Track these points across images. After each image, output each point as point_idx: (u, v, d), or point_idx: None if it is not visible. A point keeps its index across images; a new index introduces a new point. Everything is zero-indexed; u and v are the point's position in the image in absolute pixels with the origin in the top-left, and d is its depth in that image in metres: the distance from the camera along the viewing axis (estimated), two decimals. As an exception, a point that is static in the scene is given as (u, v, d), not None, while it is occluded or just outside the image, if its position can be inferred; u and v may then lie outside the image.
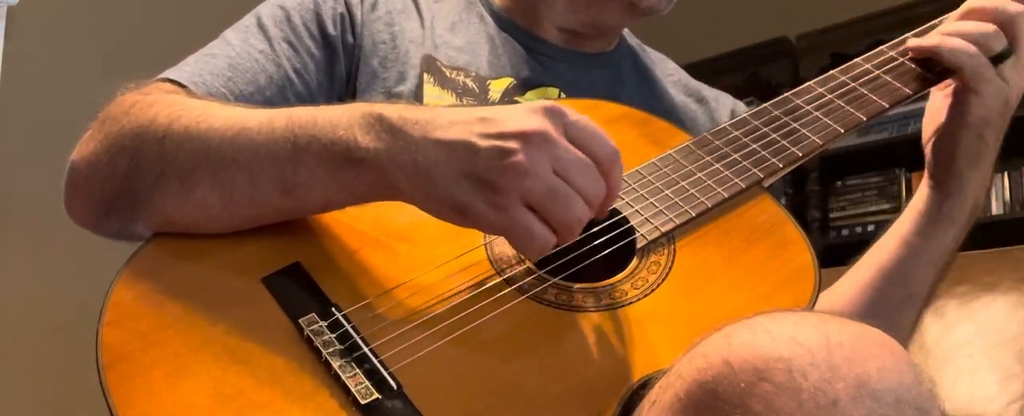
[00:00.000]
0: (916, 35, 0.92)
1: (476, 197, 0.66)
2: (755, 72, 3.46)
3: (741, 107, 1.10)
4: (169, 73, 0.88)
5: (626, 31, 1.10)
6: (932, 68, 0.89)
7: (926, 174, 0.94)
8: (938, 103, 0.92)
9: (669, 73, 1.11)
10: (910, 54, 0.90)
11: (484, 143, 0.66)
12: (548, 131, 0.67)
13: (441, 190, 0.67)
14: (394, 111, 0.70)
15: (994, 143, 0.90)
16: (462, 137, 0.67)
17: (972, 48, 0.86)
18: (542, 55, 1.01)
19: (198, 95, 0.84)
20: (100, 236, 0.81)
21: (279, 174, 0.72)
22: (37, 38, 2.76)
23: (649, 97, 1.05)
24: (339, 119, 0.71)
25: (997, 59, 0.86)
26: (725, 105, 1.09)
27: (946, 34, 0.88)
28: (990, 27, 0.86)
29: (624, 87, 1.04)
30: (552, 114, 0.68)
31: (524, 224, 0.66)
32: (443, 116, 0.69)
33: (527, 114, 0.68)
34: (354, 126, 0.70)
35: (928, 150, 0.93)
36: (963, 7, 0.90)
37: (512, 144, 0.66)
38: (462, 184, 0.66)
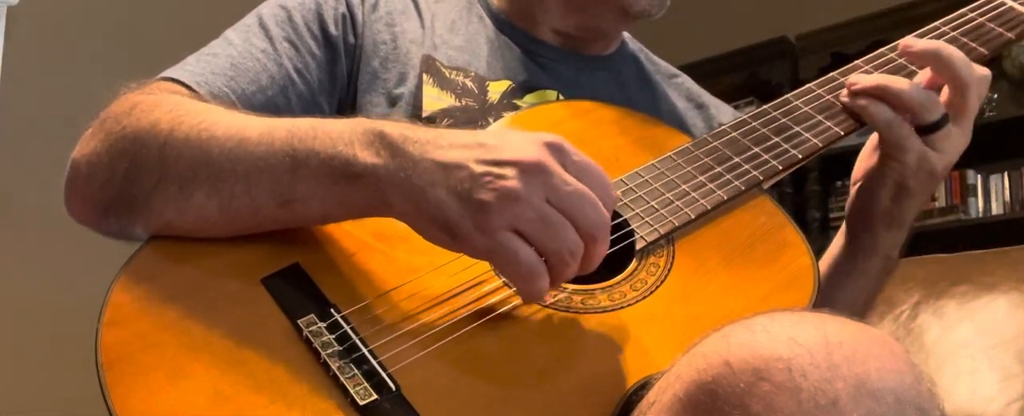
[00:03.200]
0: (920, 35, 0.92)
1: (464, 218, 0.66)
2: (755, 72, 3.46)
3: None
4: (171, 72, 0.87)
5: (628, 35, 1.10)
6: None
7: (844, 222, 0.92)
8: (868, 151, 0.89)
9: (672, 76, 1.11)
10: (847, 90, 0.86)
11: (479, 168, 0.66)
12: (545, 162, 0.66)
13: (432, 208, 0.67)
14: (396, 129, 0.70)
15: (913, 208, 0.87)
16: (458, 159, 0.67)
17: (895, 118, 0.82)
18: (541, 57, 1.01)
19: (200, 94, 0.84)
20: (100, 235, 0.81)
21: (277, 187, 0.72)
22: (37, 38, 2.77)
23: (650, 100, 1.05)
24: (340, 134, 0.71)
25: (930, 128, 0.82)
26: (725, 113, 1.09)
27: (883, 86, 0.83)
28: (931, 96, 0.82)
29: (625, 89, 1.04)
30: (553, 148, 0.67)
31: (510, 248, 0.65)
32: (445, 138, 0.69)
33: (528, 144, 0.67)
34: (355, 141, 0.70)
35: (850, 198, 0.91)
36: (926, 44, 0.85)
37: (507, 171, 0.65)
38: (452, 204, 0.66)
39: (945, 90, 0.85)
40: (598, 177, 0.68)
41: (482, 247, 0.66)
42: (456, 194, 0.66)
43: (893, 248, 0.90)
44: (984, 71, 0.85)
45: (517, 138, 0.68)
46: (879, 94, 0.83)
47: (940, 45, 0.85)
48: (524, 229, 0.65)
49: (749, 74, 3.46)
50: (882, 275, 0.91)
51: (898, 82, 0.83)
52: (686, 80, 1.12)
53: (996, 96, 2.99)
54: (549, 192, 0.65)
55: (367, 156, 0.69)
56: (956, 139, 0.84)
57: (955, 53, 0.84)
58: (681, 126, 1.02)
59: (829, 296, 0.90)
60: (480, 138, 0.69)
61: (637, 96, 1.04)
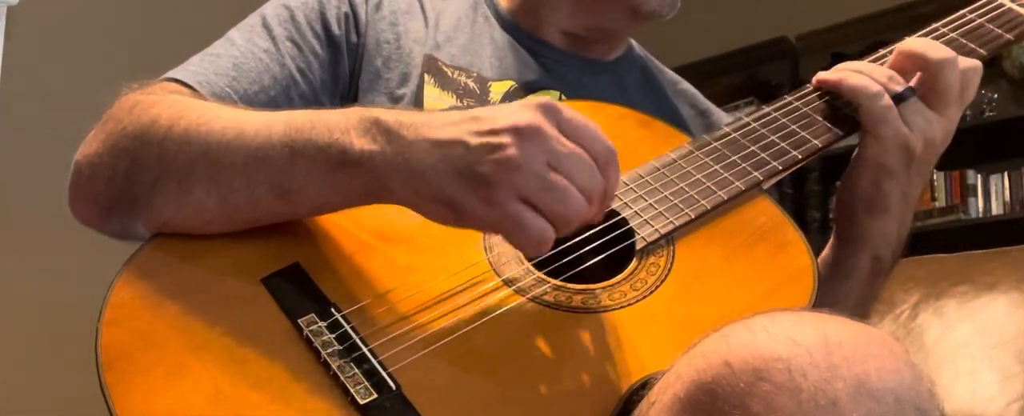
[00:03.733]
0: (919, 36, 0.92)
1: (467, 193, 0.66)
2: (755, 72, 3.47)
3: None
4: (173, 73, 0.88)
5: (634, 42, 1.10)
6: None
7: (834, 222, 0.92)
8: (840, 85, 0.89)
9: (676, 84, 1.11)
10: (814, 83, 0.89)
11: (475, 140, 0.66)
12: (541, 125, 0.66)
13: (433, 188, 0.67)
14: (390, 115, 0.70)
15: (896, 193, 0.86)
16: (454, 136, 0.67)
17: (874, 87, 0.83)
18: (545, 58, 1.01)
19: (203, 95, 0.85)
20: (104, 235, 0.82)
21: (275, 178, 0.72)
22: (37, 38, 2.77)
23: (653, 107, 1.04)
24: (336, 123, 0.71)
25: (897, 98, 0.83)
26: (726, 121, 1.09)
27: (851, 70, 0.86)
28: (889, 72, 0.85)
29: (627, 95, 1.04)
30: (546, 110, 0.67)
31: (516, 215, 0.65)
32: (438, 118, 0.69)
33: (520, 110, 0.67)
34: (350, 130, 0.70)
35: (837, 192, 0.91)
36: (896, 48, 0.87)
37: (504, 139, 0.65)
38: (454, 181, 0.66)
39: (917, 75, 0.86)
40: (593, 133, 0.68)
41: (488, 219, 0.66)
42: (456, 170, 0.66)
43: (882, 245, 0.88)
44: (971, 63, 0.86)
45: (509, 106, 0.68)
46: (857, 71, 0.85)
47: (900, 44, 0.87)
48: (527, 196, 0.65)
49: (749, 74, 3.47)
50: (872, 277, 0.89)
51: (856, 64, 0.86)
52: (690, 88, 1.12)
53: (996, 96, 2.99)
54: (548, 156, 0.65)
55: (364, 143, 0.69)
56: (931, 119, 0.84)
57: (914, 41, 0.86)
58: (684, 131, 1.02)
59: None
60: (472, 112, 0.69)
61: (639, 102, 1.04)
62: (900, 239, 0.89)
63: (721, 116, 1.09)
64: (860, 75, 0.84)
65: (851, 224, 0.88)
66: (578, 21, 1.01)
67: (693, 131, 1.04)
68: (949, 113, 0.85)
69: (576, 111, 0.68)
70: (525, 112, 0.66)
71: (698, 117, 1.08)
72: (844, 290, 0.89)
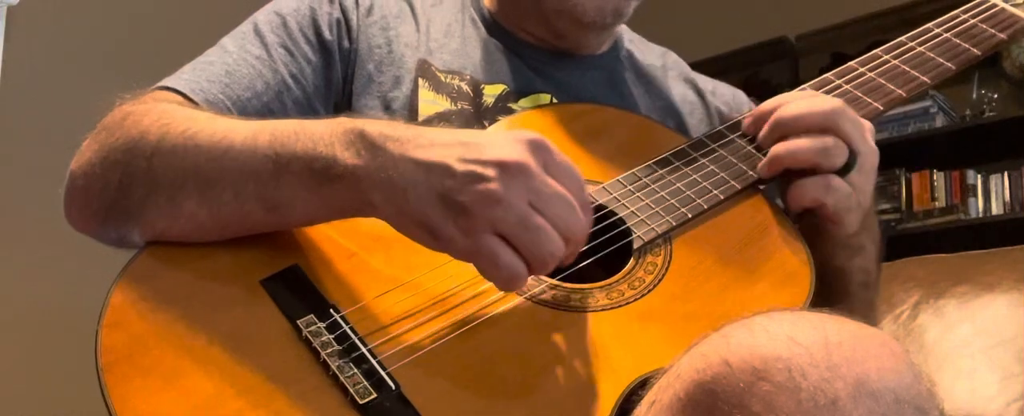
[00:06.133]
0: (910, 38, 0.92)
1: (447, 220, 0.66)
2: (755, 72, 3.47)
3: (741, 97, 1.10)
4: (167, 81, 0.88)
5: (625, 27, 1.10)
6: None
7: None
8: (791, 199, 0.81)
9: (670, 66, 1.10)
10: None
11: (461, 167, 0.66)
12: (527, 163, 0.66)
13: (414, 209, 0.67)
14: (375, 128, 0.70)
15: (862, 231, 0.84)
16: (440, 159, 0.67)
17: (831, 181, 0.78)
18: (532, 59, 1.01)
19: (196, 102, 0.85)
20: (101, 243, 0.82)
21: (262, 192, 0.72)
22: (37, 38, 2.77)
23: (647, 94, 1.04)
24: (321, 135, 0.71)
25: (843, 170, 0.78)
26: (721, 97, 1.08)
27: (776, 155, 0.80)
28: (829, 140, 0.78)
29: (619, 87, 1.04)
30: (535, 148, 0.67)
31: (491, 250, 0.65)
32: (425, 136, 0.69)
33: (510, 144, 0.67)
34: (335, 142, 0.70)
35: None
36: (774, 119, 0.81)
37: (489, 171, 0.65)
38: (435, 205, 0.66)
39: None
40: (575, 179, 0.68)
41: (463, 249, 0.67)
42: (437, 195, 0.66)
43: (868, 246, 0.87)
44: (831, 104, 0.80)
45: (499, 137, 0.68)
46: (776, 163, 0.80)
47: (777, 115, 0.81)
48: (505, 232, 0.65)
49: (749, 74, 3.47)
50: (875, 244, 0.88)
51: (799, 146, 0.79)
52: (684, 67, 1.11)
53: (996, 96, 2.99)
54: (531, 195, 0.65)
55: (347, 157, 0.69)
56: (862, 166, 0.80)
57: (793, 110, 0.80)
58: (678, 119, 1.02)
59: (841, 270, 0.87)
60: (461, 136, 0.69)
61: (632, 93, 1.04)
62: (875, 226, 0.89)
63: (721, 95, 1.08)
64: (801, 183, 0.79)
65: (839, 265, 0.86)
66: (543, 28, 1.01)
67: (688, 114, 1.04)
68: (866, 149, 0.81)
69: (565, 156, 0.68)
70: (515, 147, 0.67)
71: (695, 95, 1.07)
72: (859, 262, 0.88)
